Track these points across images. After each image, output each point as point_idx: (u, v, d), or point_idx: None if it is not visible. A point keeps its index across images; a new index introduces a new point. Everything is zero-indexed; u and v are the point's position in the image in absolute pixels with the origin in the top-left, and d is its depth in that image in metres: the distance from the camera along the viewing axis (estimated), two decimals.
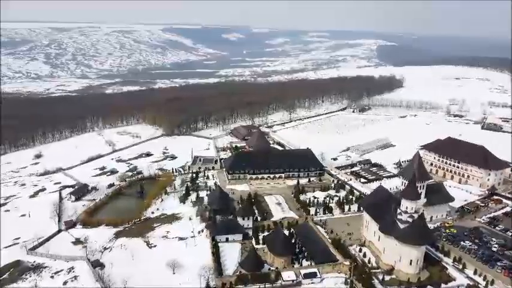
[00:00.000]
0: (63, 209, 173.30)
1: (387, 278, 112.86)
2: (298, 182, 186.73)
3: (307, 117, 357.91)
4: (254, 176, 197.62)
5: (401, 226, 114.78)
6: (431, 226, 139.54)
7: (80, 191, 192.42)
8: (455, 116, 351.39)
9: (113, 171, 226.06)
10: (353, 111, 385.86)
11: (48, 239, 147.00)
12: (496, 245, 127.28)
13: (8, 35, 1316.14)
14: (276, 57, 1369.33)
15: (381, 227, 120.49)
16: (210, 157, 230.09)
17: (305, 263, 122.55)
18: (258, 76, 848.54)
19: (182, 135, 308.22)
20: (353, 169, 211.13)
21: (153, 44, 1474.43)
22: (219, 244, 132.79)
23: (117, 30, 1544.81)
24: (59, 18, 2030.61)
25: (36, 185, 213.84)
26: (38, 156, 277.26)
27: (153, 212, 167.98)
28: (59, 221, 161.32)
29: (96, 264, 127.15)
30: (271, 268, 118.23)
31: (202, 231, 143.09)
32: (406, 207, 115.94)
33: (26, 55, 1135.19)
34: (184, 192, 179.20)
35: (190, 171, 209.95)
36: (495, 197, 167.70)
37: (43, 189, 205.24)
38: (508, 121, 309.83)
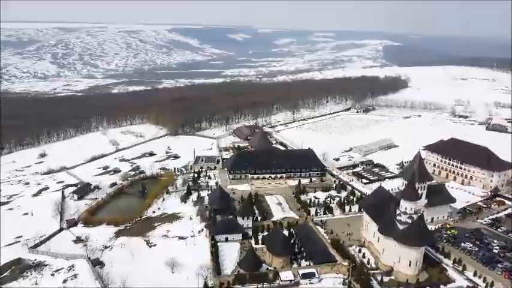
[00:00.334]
0: (66, 208, 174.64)
1: (386, 279, 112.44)
2: (299, 182, 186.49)
3: (311, 118, 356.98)
4: (255, 176, 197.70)
5: (401, 227, 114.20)
6: (432, 227, 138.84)
7: (83, 190, 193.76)
8: (460, 116, 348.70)
9: (116, 171, 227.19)
10: (357, 112, 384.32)
11: (49, 238, 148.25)
12: (497, 247, 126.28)
13: (16, 35, 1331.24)
14: (281, 58, 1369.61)
15: (380, 227, 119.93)
16: (212, 157, 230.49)
17: (304, 263, 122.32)
18: (263, 76, 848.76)
19: (186, 135, 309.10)
20: (355, 170, 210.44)
21: (159, 44, 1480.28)
22: (219, 244, 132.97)
23: (123, 31, 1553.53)
24: (66, 18, 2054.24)
25: (39, 184, 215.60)
26: (43, 155, 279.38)
27: (154, 212, 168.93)
28: (60, 219, 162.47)
29: (96, 263, 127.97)
30: (270, 268, 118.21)
31: (202, 230, 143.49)
32: (406, 208, 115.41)
33: (34, 55, 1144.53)
34: (185, 191, 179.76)
35: (192, 171, 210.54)
36: (498, 199, 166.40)
37: (46, 188, 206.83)
38: None
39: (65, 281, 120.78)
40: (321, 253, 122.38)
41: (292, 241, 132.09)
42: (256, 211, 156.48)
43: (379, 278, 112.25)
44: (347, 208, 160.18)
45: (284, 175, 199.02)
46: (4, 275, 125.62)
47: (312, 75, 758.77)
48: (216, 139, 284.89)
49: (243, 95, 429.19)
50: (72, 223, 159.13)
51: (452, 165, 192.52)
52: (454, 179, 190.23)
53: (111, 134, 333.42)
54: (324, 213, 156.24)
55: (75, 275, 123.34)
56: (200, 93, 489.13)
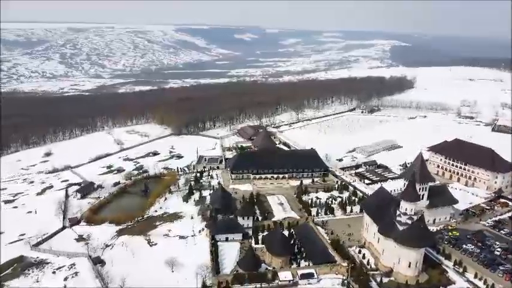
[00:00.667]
0: (69, 207, 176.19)
1: (385, 280, 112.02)
2: (301, 182, 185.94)
3: (315, 118, 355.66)
4: (258, 176, 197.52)
5: (401, 228, 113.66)
6: (434, 229, 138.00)
7: (86, 188, 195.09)
8: (465, 117, 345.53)
9: (119, 170, 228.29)
10: (362, 112, 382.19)
11: (52, 236, 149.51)
12: (499, 249, 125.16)
13: (25, 35, 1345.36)
14: (288, 58, 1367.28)
15: (380, 228, 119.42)
16: (215, 157, 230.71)
17: (303, 263, 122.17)
18: (269, 76, 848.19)
19: (190, 135, 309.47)
20: (358, 170, 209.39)
21: (166, 44, 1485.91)
22: (219, 243, 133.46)
23: (130, 31, 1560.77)
24: (74, 18, 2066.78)
25: (44, 183, 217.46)
26: (48, 154, 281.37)
27: (156, 211, 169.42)
28: (63, 218, 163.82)
29: (97, 261, 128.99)
30: (269, 268, 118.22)
31: (203, 230, 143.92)
32: (406, 209, 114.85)
33: (42, 55, 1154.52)
34: (187, 191, 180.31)
35: (195, 171, 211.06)
36: (502, 200, 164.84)
37: (50, 187, 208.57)
38: None
39: (65, 279, 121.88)
40: (320, 253, 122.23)
41: (292, 241, 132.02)
42: (258, 211, 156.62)
43: (378, 278, 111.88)
44: (348, 209, 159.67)
45: (286, 175, 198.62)
46: (6, 272, 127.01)
47: (317, 76, 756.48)
48: (219, 139, 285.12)
49: (248, 95, 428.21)
50: (75, 221, 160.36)
51: (456, 166, 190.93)
52: (458, 180, 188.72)
53: (116, 133, 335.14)
54: (325, 213, 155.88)
55: (76, 273, 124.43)
56: (206, 93, 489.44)
